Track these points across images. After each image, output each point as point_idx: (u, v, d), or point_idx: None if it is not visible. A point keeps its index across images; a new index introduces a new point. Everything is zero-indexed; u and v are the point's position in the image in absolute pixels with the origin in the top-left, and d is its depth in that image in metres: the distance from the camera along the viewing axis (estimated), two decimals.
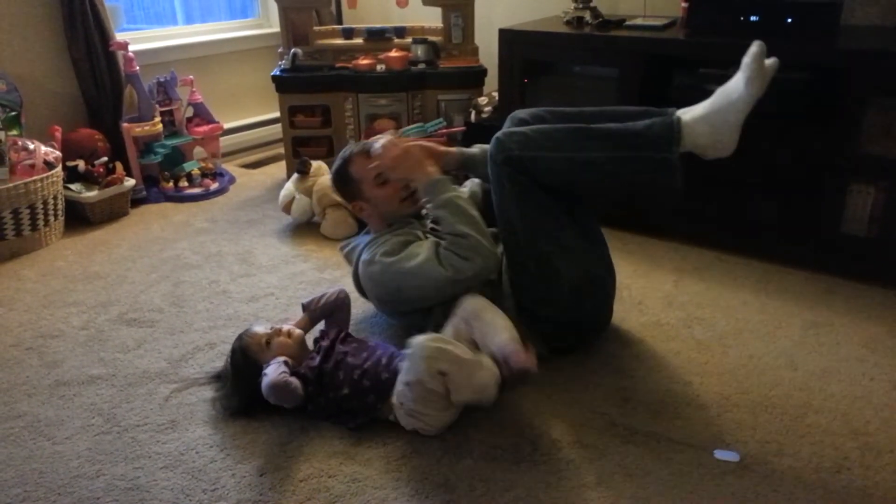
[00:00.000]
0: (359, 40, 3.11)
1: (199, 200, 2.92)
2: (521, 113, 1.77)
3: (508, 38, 2.54)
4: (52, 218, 2.51)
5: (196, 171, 3.01)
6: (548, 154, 1.59)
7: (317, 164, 2.57)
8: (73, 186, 2.64)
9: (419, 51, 2.94)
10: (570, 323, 1.70)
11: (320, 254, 2.36)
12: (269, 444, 1.47)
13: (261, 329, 1.61)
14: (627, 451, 1.42)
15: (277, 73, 2.97)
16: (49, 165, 2.50)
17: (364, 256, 1.71)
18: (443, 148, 1.81)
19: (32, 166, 2.44)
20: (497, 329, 1.45)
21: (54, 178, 2.50)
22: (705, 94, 1.57)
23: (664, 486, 1.33)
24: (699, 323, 1.89)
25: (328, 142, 3.06)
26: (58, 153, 2.58)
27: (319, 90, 2.95)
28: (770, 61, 1.49)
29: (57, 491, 1.36)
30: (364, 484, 1.35)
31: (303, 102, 2.99)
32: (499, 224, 1.69)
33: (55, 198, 2.52)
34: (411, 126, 2.93)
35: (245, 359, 1.56)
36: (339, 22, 3.64)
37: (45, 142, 2.58)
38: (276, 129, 3.43)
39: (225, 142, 3.31)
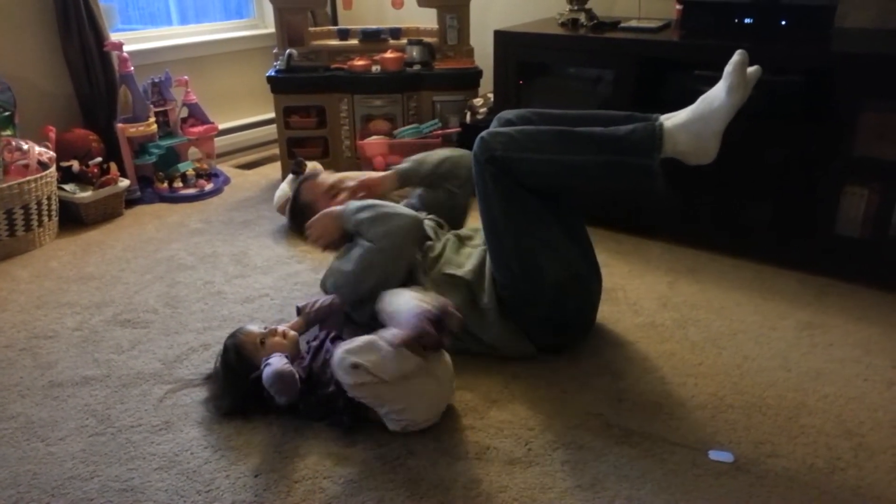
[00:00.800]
0: (354, 41, 3.11)
1: (193, 201, 2.92)
2: (507, 114, 1.79)
3: (503, 40, 2.54)
4: (45, 218, 2.50)
5: (191, 172, 3.00)
6: (531, 156, 1.60)
7: (312, 165, 2.57)
8: (67, 187, 2.63)
9: (414, 52, 2.95)
10: (553, 321, 1.70)
11: (315, 255, 2.36)
12: (264, 445, 1.47)
13: (255, 328, 1.60)
14: (622, 452, 1.43)
15: (272, 73, 2.97)
16: (43, 166, 2.49)
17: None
18: (378, 175, 1.98)
19: (26, 167, 2.43)
20: (401, 299, 1.46)
21: (48, 179, 2.49)
22: (700, 96, 1.57)
23: (659, 486, 1.34)
24: (694, 324, 1.90)
25: (323, 143, 3.06)
26: (52, 153, 2.57)
27: (314, 91, 2.95)
28: (752, 70, 1.49)
29: (51, 492, 1.36)
30: (359, 485, 1.35)
31: (298, 103, 2.99)
32: (483, 222, 1.70)
33: (49, 198, 2.51)
34: (406, 127, 2.94)
35: (238, 357, 1.56)
36: (335, 23, 3.64)
37: (39, 142, 2.58)
38: (271, 130, 3.43)
39: (220, 142, 3.30)
